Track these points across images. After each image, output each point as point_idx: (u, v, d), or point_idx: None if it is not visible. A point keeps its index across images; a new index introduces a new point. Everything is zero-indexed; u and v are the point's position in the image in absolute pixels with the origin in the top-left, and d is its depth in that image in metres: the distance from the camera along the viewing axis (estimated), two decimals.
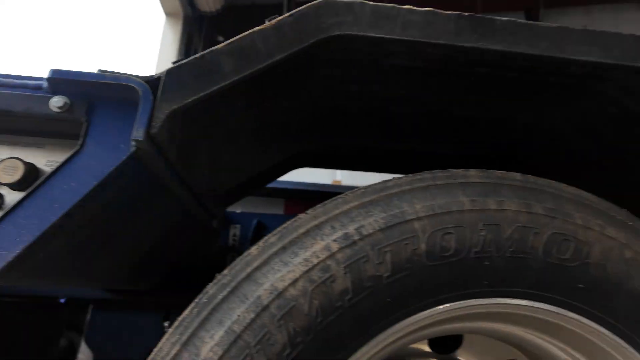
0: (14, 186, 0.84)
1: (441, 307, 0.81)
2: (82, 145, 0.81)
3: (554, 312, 0.85)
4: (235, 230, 2.01)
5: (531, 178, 0.98)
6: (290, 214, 2.09)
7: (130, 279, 1.40)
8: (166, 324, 1.73)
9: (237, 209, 2.06)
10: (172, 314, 1.79)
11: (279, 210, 2.08)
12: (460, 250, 0.82)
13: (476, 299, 0.83)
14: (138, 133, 0.80)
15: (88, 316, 1.76)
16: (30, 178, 0.84)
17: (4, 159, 0.82)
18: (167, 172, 0.98)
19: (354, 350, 0.75)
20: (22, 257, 0.74)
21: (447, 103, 1.50)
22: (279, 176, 1.70)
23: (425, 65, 1.28)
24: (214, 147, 1.16)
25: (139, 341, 1.76)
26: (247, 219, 2.04)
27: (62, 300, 1.78)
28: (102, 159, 0.80)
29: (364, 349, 0.75)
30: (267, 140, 1.31)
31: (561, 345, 0.92)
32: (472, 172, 0.98)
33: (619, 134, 1.47)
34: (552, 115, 1.61)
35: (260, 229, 2.02)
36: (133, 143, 0.81)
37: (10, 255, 0.73)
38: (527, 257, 0.85)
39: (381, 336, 0.77)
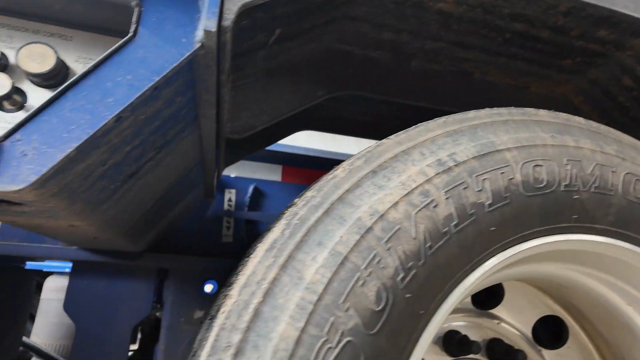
0: (40, 79, 0.66)
1: (533, 242, 0.76)
2: (135, 34, 0.65)
3: (631, 250, 0.83)
4: (230, 195, 1.85)
5: (593, 123, 0.97)
6: (288, 181, 1.97)
7: (132, 235, 1.21)
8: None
9: (231, 173, 1.90)
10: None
11: (276, 176, 1.95)
12: (552, 183, 0.78)
13: (564, 235, 0.79)
14: (209, 23, 0.66)
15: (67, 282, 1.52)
16: (61, 73, 0.67)
17: (28, 43, 0.63)
18: (212, 92, 0.84)
19: (459, 282, 0.67)
20: (68, 162, 0.57)
21: (474, 64, 1.48)
22: (286, 134, 1.58)
23: (469, 15, 1.23)
24: (254, 74, 1.03)
25: (126, 310, 1.56)
26: (244, 184, 1.89)
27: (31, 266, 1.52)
28: (161, 52, 0.65)
29: (468, 280, 0.68)
30: (302, 80, 1.20)
31: (626, 288, 0.92)
32: (542, 111, 0.95)
33: (630, 106, 1.53)
34: (565, 87, 1.65)
35: (257, 195, 1.88)
36: (200, 36, 0.67)
37: (58, 154, 0.56)
38: (608, 193, 0.82)
39: (482, 268, 0.70)
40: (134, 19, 0.66)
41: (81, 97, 0.60)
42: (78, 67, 0.70)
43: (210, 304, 1.61)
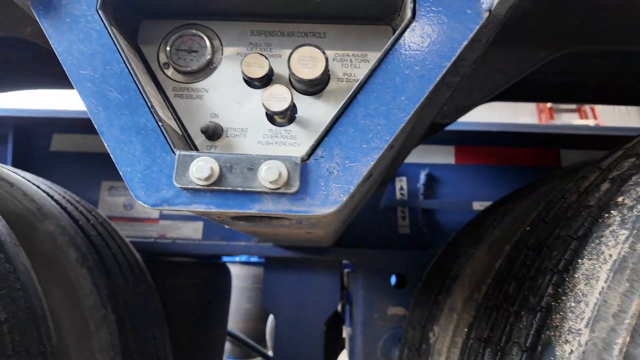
0: (306, 86, 0.60)
1: None
2: (414, 15, 0.54)
3: None
4: (401, 183, 1.75)
5: None
6: (462, 162, 1.78)
7: (337, 233, 1.18)
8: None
9: None
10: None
11: (449, 158, 1.78)
12: None
13: None
14: None
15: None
16: (325, 76, 0.60)
17: (298, 47, 0.57)
18: (460, 72, 0.70)
19: None
20: (367, 176, 0.50)
21: None
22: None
23: None
24: None
25: (317, 304, 1.58)
26: (414, 170, 1.76)
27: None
28: (446, 31, 0.53)
29: None
30: (517, 43, 0.99)
31: None
32: None
33: None
34: None
35: (431, 181, 1.74)
36: (489, 2, 0.53)
37: (362, 169, 0.49)
38: None
39: None
40: None
41: (372, 99, 0.52)
42: (336, 66, 0.63)
43: (401, 298, 1.54)
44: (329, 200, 0.50)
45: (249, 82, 0.63)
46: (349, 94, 0.52)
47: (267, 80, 0.62)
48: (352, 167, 0.50)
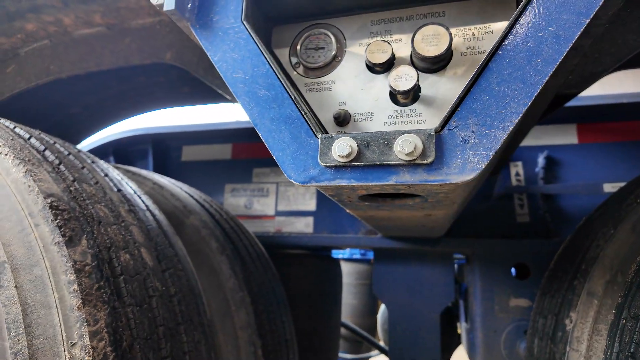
0: (429, 64, 0.62)
1: None
2: None
3: None
4: (517, 169, 1.65)
5: None
6: (586, 141, 1.61)
7: (452, 221, 1.17)
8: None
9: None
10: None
11: (570, 138, 1.63)
12: None
13: None
14: None
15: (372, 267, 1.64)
16: (448, 53, 0.62)
17: (421, 26, 0.61)
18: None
19: None
20: (504, 142, 0.51)
21: None
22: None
23: None
24: None
25: (431, 296, 1.56)
26: (531, 153, 1.65)
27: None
28: None
29: None
30: None
31: None
32: None
33: None
34: None
35: (551, 164, 1.61)
36: None
37: (500, 135, 0.50)
38: None
39: None
40: None
41: (506, 65, 0.52)
42: (458, 41, 0.64)
43: (523, 289, 1.45)
44: (467, 168, 0.51)
45: (372, 68, 0.67)
46: (480, 64, 0.53)
47: (388, 65, 0.66)
48: (490, 134, 0.51)
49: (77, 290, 0.67)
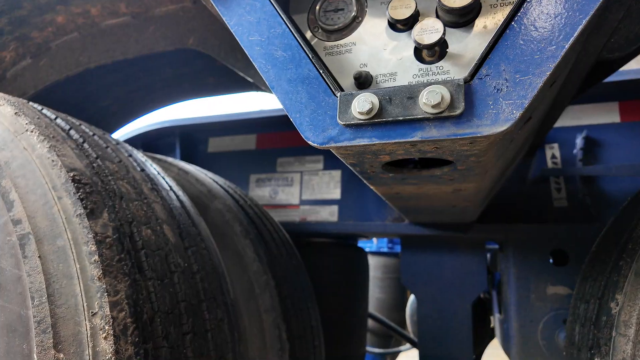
0: (457, 16, 0.58)
1: None
2: None
3: None
4: (553, 151, 1.55)
5: None
6: (630, 120, 1.50)
7: (482, 204, 1.11)
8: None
9: None
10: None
11: (612, 117, 1.52)
12: None
13: None
14: None
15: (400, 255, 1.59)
16: (476, 5, 0.57)
17: None
18: None
19: None
20: (542, 90, 0.46)
21: None
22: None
23: None
24: None
25: (461, 285, 1.50)
26: (568, 134, 1.55)
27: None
28: None
29: None
30: None
31: None
32: None
33: None
34: None
35: (590, 145, 1.51)
36: None
37: (537, 80, 0.45)
38: None
39: None
40: None
41: (541, 5, 0.47)
42: None
43: (562, 277, 1.36)
44: (500, 118, 0.47)
45: (395, 25, 0.63)
46: (514, 4, 0.49)
47: (413, 20, 0.62)
48: (525, 81, 0.46)
49: (97, 261, 0.67)
